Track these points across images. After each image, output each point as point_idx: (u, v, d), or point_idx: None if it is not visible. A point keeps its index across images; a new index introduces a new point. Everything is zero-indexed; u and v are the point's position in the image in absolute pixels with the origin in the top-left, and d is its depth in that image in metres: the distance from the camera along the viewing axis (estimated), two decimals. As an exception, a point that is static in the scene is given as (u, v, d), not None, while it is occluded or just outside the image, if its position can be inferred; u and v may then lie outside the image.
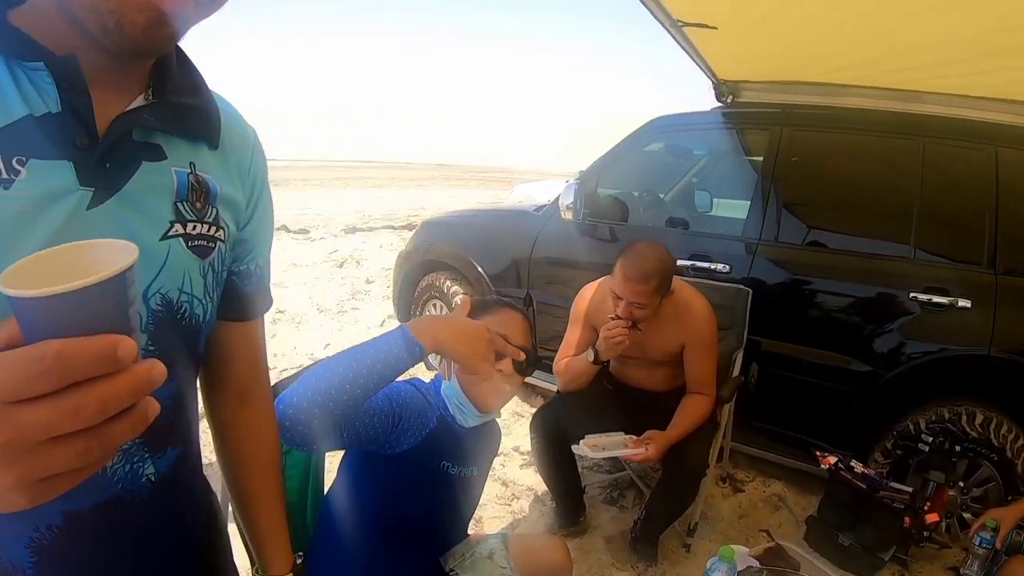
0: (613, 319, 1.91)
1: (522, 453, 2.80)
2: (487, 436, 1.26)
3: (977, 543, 1.80)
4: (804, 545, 2.20)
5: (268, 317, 0.82)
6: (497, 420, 1.30)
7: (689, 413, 2.01)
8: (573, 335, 2.15)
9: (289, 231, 8.11)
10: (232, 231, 0.64)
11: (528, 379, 3.19)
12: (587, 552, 2.20)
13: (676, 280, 2.08)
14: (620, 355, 2.15)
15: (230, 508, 0.87)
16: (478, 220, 3.65)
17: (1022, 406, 2.11)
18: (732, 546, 1.39)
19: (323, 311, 4.75)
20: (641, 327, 1.94)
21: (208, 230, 0.60)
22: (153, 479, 0.61)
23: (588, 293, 2.16)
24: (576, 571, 2.11)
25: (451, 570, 1.18)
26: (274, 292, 0.82)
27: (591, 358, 2.00)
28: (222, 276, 0.65)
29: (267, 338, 0.80)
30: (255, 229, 0.70)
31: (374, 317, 4.63)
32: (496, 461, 2.78)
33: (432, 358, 1.23)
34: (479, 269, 3.19)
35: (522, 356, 1.06)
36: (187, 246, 0.58)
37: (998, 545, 1.78)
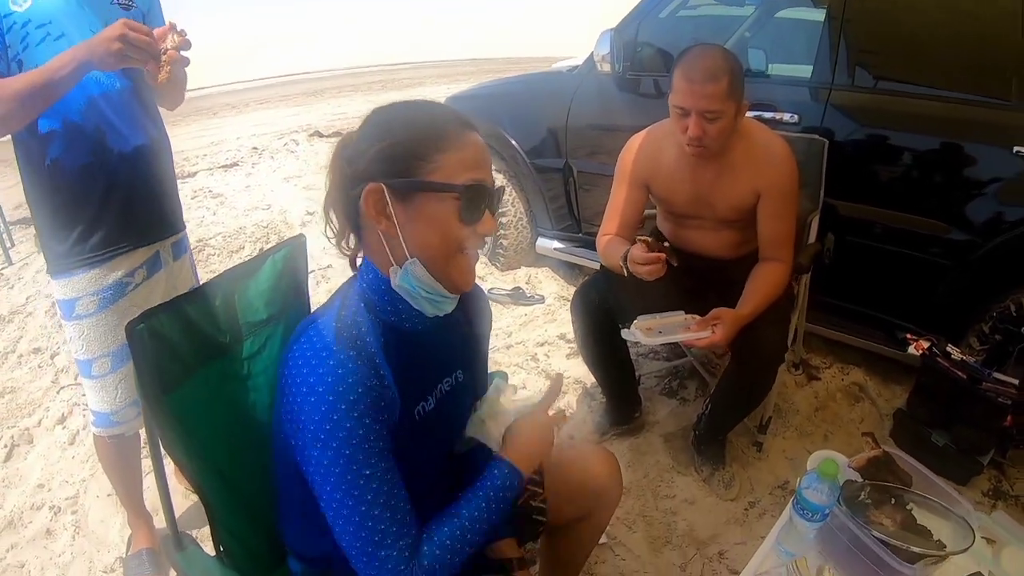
0: (643, 247, 1.54)
1: (568, 341, 2.54)
2: (467, 307, 0.98)
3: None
4: (890, 442, 1.92)
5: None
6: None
7: (763, 285, 1.63)
8: (619, 196, 1.78)
9: (323, 135, 7.80)
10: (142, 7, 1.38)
11: (573, 258, 2.93)
12: (643, 454, 1.95)
13: (749, 119, 1.66)
14: (679, 214, 1.78)
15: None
16: (506, 88, 3.24)
17: None
18: (834, 457, 1.10)
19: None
20: (709, 143, 1.54)
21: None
22: None
23: (636, 144, 1.76)
24: (632, 476, 1.84)
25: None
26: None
27: (625, 271, 1.62)
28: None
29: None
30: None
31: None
32: (539, 351, 2.57)
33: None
34: (513, 143, 2.85)
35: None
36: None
37: None
